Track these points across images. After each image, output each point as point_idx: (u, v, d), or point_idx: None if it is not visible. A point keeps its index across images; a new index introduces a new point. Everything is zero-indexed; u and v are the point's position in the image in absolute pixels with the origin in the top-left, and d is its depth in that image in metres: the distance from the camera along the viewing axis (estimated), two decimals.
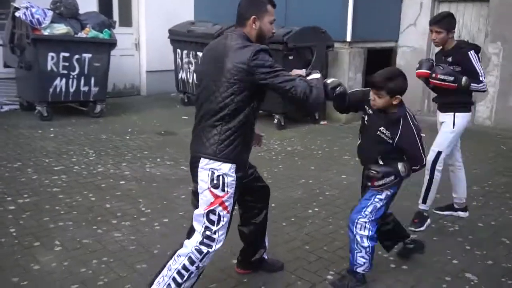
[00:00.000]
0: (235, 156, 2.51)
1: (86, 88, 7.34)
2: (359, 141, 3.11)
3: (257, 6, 2.57)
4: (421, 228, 3.90)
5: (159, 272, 2.58)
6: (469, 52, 3.76)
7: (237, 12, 2.61)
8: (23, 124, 6.85)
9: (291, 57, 7.05)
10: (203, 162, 2.51)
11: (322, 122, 7.80)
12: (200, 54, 8.03)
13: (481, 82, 3.73)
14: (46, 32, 6.88)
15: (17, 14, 6.84)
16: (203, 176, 2.51)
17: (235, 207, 2.71)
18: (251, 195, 2.92)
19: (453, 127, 3.86)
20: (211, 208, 2.51)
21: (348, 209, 3.75)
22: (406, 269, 3.30)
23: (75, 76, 7.19)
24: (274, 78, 2.41)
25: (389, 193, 2.94)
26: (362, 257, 2.95)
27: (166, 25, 8.67)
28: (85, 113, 7.56)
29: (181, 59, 8.53)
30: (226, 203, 2.53)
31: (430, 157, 3.90)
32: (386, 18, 8.54)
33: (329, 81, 2.75)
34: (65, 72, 7.09)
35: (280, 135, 6.93)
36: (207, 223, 2.53)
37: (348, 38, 7.95)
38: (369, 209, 2.93)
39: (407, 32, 8.63)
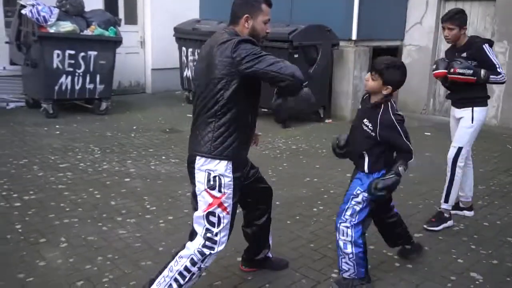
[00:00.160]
0: (231, 154, 2.48)
1: (91, 86, 7.37)
2: (349, 134, 3.07)
3: (251, 5, 2.53)
4: (436, 228, 3.84)
5: (160, 272, 2.56)
6: (483, 46, 3.74)
7: (231, 9, 2.58)
8: (29, 121, 6.88)
9: (296, 56, 7.04)
10: (199, 162, 2.49)
11: (327, 121, 7.80)
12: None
13: (500, 73, 3.70)
14: (52, 30, 6.90)
15: (23, 11, 6.88)
16: (200, 178, 2.50)
17: (239, 208, 2.70)
18: (253, 197, 2.89)
19: (472, 122, 3.82)
20: (210, 209, 2.49)
21: None
22: (411, 268, 3.30)
23: (81, 74, 7.22)
24: (259, 64, 2.33)
25: (366, 194, 2.85)
26: (346, 263, 2.92)
27: (171, 23, 8.69)
28: (90, 111, 7.59)
29: (186, 57, 8.55)
30: (225, 204, 2.50)
31: (450, 153, 3.88)
32: (392, 17, 8.51)
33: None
34: (71, 69, 7.12)
35: (285, 133, 6.93)
36: (207, 225, 2.51)
37: (354, 37, 7.94)
38: (348, 212, 2.89)
39: (413, 30, 8.60)
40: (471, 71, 3.63)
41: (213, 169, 2.47)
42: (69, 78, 7.15)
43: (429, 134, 7.24)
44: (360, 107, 3.05)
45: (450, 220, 3.95)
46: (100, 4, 8.57)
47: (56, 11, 6.99)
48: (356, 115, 3.04)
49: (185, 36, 8.44)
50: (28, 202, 4.14)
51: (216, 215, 2.50)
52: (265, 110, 7.85)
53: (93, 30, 7.28)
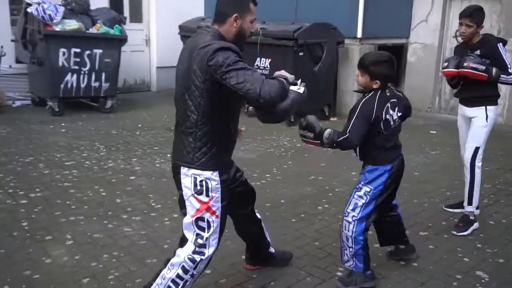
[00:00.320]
0: (214, 163, 2.41)
1: (97, 84, 7.39)
2: None
3: (240, 3, 2.43)
4: (465, 233, 3.78)
5: (153, 280, 2.51)
6: (498, 45, 3.71)
7: (216, 8, 2.46)
8: (34, 119, 6.91)
9: (301, 53, 7.03)
10: (183, 171, 2.42)
11: (332, 119, 7.79)
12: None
13: (510, 74, 3.67)
14: (57, 28, 6.93)
15: (29, 10, 6.90)
16: (186, 183, 2.43)
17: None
18: (239, 201, 2.80)
19: (487, 121, 3.77)
20: (199, 215, 2.43)
21: None
22: (416, 266, 3.29)
23: (86, 72, 7.24)
24: (231, 79, 2.18)
25: (368, 189, 2.86)
26: (346, 254, 2.96)
27: (177, 21, 8.69)
28: (95, 109, 7.61)
29: None
30: (213, 208, 2.44)
31: (468, 154, 3.83)
32: (397, 15, 8.48)
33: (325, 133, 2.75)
34: (76, 67, 7.15)
35: (289, 131, 6.92)
36: (197, 230, 2.44)
37: (359, 35, 7.91)
38: (350, 206, 2.90)
39: (418, 28, 8.56)
40: (483, 67, 3.59)
41: (198, 173, 2.40)
42: (75, 76, 7.17)
43: (435, 132, 7.22)
44: None
45: (476, 222, 3.87)
46: (106, 3, 8.59)
47: (61, 9, 7.02)
48: None
49: (190, 34, 8.37)
50: (34, 200, 4.16)
51: (205, 219, 2.43)
52: None
53: (99, 28, 7.31)
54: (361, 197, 2.88)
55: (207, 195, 2.41)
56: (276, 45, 7.03)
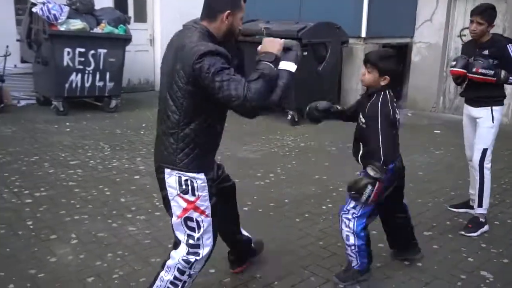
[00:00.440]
0: (198, 164, 2.32)
1: (101, 83, 7.41)
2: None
3: (233, 0, 2.34)
4: (474, 234, 3.75)
5: (153, 283, 2.49)
6: (507, 45, 3.67)
7: (206, 3, 2.37)
8: (39, 119, 6.94)
9: (305, 53, 7.02)
10: (167, 170, 2.34)
11: None
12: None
13: None
14: (62, 28, 6.95)
15: (34, 9, 6.92)
16: (171, 182, 2.34)
17: None
18: (222, 198, 2.67)
19: (493, 122, 3.75)
20: (186, 215, 2.36)
21: None
22: (420, 266, 3.28)
23: (91, 72, 7.26)
24: (213, 90, 2.11)
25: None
26: (349, 254, 2.95)
27: (181, 20, 8.53)
28: (100, 108, 7.63)
29: None
30: (202, 208, 2.36)
31: (476, 156, 3.79)
32: (402, 14, 8.46)
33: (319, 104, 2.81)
34: (81, 67, 7.16)
35: (293, 131, 6.93)
36: (187, 231, 2.38)
37: (363, 34, 7.91)
38: (351, 204, 2.89)
39: (423, 27, 8.54)
40: (492, 72, 3.57)
41: (183, 174, 2.32)
42: (79, 75, 7.19)
43: (439, 132, 7.20)
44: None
45: (486, 225, 3.85)
46: (110, 2, 8.60)
47: (66, 9, 7.03)
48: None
49: None
50: (39, 199, 4.18)
51: (194, 219, 2.36)
52: None
53: (103, 28, 7.32)
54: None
55: (193, 194, 2.34)
56: None
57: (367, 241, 2.94)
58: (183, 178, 2.32)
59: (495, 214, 4.21)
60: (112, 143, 5.94)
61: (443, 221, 4.02)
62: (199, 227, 2.38)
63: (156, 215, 3.95)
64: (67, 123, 6.78)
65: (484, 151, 3.78)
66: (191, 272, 2.43)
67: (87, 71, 7.23)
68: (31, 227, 3.65)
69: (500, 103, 3.80)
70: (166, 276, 2.44)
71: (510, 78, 3.63)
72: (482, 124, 3.78)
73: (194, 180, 2.32)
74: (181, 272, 2.41)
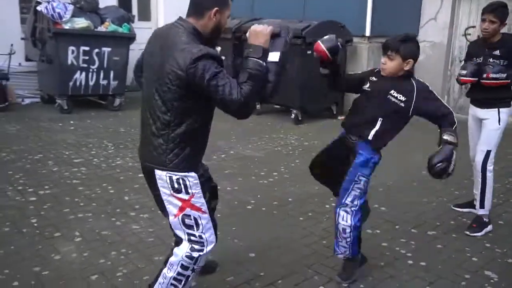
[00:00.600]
0: (188, 164, 2.30)
1: (105, 82, 7.43)
2: (350, 110, 2.96)
3: None
4: (479, 234, 3.74)
5: (156, 280, 2.49)
6: None
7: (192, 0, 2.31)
8: (44, 117, 6.96)
9: (309, 52, 7.00)
10: (158, 171, 2.31)
11: (339, 117, 7.75)
12: (218, 48, 8.03)
13: None
14: (67, 26, 6.97)
15: (38, 8, 6.95)
16: (163, 183, 2.31)
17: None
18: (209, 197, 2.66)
19: (499, 124, 3.69)
20: (183, 213, 2.33)
21: None
22: (424, 265, 3.27)
23: (95, 70, 7.28)
24: (210, 93, 2.11)
25: (365, 179, 2.83)
26: (343, 246, 2.95)
27: None
28: (104, 107, 7.65)
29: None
30: (197, 205, 2.34)
31: (479, 158, 3.76)
32: (406, 13, 8.43)
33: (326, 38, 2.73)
34: (85, 65, 7.19)
35: (297, 130, 6.92)
36: (186, 229, 2.36)
37: (367, 33, 7.89)
38: (349, 198, 2.86)
39: (427, 26, 8.51)
40: (504, 75, 3.51)
41: (174, 173, 2.29)
42: (83, 74, 7.21)
43: None
44: (372, 74, 2.90)
45: (490, 224, 3.83)
46: (114, 1, 8.63)
47: (70, 7, 7.06)
48: (368, 86, 2.86)
49: None
50: (43, 197, 4.19)
51: (192, 217, 2.34)
52: (277, 106, 7.86)
53: (107, 27, 7.34)
54: (360, 188, 2.85)
55: (187, 193, 2.31)
56: None
57: (360, 228, 2.94)
58: (175, 178, 2.29)
59: (499, 213, 4.20)
60: (116, 141, 5.95)
61: (447, 221, 4.01)
62: (197, 224, 2.36)
63: (159, 213, 3.88)
64: (71, 121, 6.80)
65: (488, 152, 3.74)
66: (195, 267, 2.43)
67: (91, 70, 7.25)
68: (35, 224, 3.66)
69: (507, 104, 3.73)
70: (169, 273, 2.43)
71: None
72: (488, 126, 3.73)
73: (186, 179, 2.30)
74: (185, 268, 2.41)
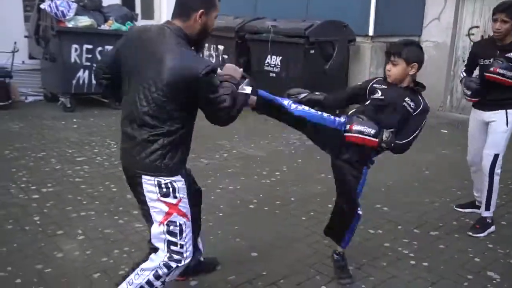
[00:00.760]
0: (179, 167, 2.29)
1: None
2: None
3: None
4: (482, 235, 3.72)
5: (117, 285, 2.36)
6: None
7: (178, 0, 2.29)
8: (47, 115, 6.97)
9: (312, 51, 7.01)
10: (146, 177, 2.25)
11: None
12: (221, 47, 8.05)
13: None
14: (70, 24, 6.98)
15: (42, 6, 6.97)
16: (150, 187, 2.25)
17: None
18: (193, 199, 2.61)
19: (507, 126, 3.60)
20: (170, 219, 2.26)
21: (367, 204, 3.75)
22: (427, 266, 3.27)
23: None
24: (209, 105, 2.20)
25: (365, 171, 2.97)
26: (350, 238, 3.02)
27: None
28: (107, 105, 7.65)
29: (202, 52, 8.56)
30: (184, 210, 2.29)
31: (487, 161, 3.68)
32: (409, 12, 8.42)
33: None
34: (88, 64, 7.20)
35: None
36: (169, 237, 2.27)
37: (370, 33, 7.88)
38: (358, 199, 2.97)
39: (431, 26, 8.50)
40: (511, 74, 3.41)
41: (164, 178, 2.25)
42: (87, 72, 7.22)
43: (446, 131, 7.17)
44: (377, 83, 2.87)
45: (493, 225, 3.82)
46: None
47: (74, 5, 7.07)
48: (381, 94, 2.81)
49: None
50: (46, 195, 4.20)
51: (177, 223, 2.27)
52: None
53: (110, 25, 7.35)
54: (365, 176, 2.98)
55: (175, 197, 2.26)
56: (287, 43, 7.02)
57: None
58: (163, 182, 2.24)
59: (502, 214, 4.19)
60: (118, 140, 5.90)
61: (450, 221, 4.00)
62: (181, 232, 2.29)
63: None
64: (74, 120, 6.81)
65: (496, 156, 3.66)
66: (167, 279, 2.33)
67: (94, 68, 7.24)
68: (38, 222, 3.67)
69: None
70: (136, 279, 2.31)
71: None
72: (496, 129, 3.63)
73: (174, 183, 2.26)
74: (157, 276, 2.30)
